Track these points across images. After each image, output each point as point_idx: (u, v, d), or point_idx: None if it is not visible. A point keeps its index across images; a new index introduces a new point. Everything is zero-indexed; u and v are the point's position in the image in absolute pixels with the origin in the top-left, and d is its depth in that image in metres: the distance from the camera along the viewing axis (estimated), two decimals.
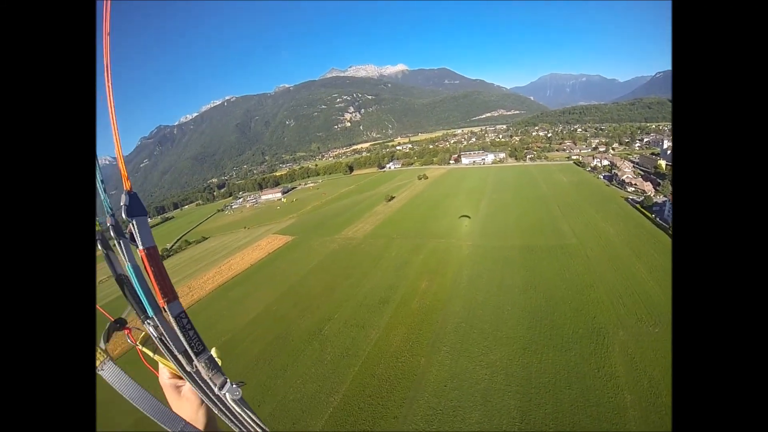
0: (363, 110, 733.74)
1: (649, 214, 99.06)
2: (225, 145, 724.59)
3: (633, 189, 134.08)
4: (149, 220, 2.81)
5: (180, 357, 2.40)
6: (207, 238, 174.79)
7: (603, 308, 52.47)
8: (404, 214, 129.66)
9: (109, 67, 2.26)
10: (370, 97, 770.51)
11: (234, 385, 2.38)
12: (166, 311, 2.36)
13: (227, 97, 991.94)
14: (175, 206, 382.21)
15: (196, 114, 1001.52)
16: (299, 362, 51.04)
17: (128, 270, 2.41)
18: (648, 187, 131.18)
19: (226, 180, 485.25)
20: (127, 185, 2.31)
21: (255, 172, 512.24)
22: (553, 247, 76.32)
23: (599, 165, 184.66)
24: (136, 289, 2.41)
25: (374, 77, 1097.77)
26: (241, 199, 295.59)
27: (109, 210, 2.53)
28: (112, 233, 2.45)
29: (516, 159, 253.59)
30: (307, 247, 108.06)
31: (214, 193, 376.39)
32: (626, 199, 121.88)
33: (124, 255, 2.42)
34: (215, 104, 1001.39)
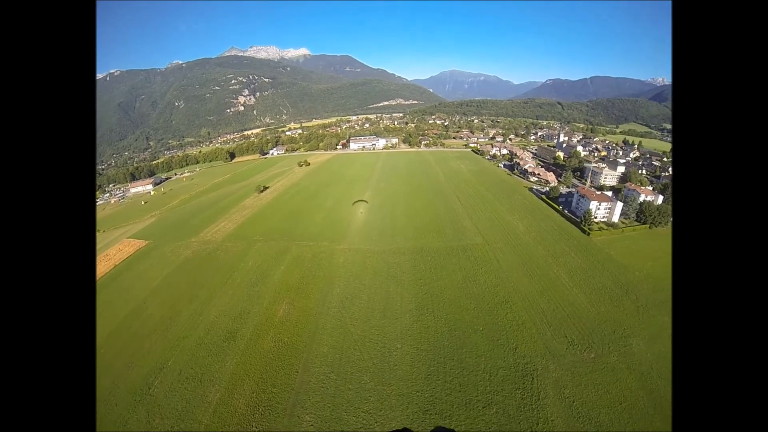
0: (258, 93, 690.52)
1: (556, 206, 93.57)
2: (104, 127, 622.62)
3: (536, 179, 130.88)
4: None
5: None
6: None
7: (525, 333, 39.48)
8: (274, 208, 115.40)
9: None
10: (267, 80, 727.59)
11: None
12: None
13: (111, 71, 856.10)
14: None
15: None
16: None
17: None
18: (551, 177, 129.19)
19: (103, 170, 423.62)
20: None
21: (136, 160, 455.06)
22: (455, 249, 61.61)
23: (498, 153, 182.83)
24: None
25: (275, 59, 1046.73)
26: (107, 194, 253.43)
27: None
28: None
29: (410, 145, 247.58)
30: (159, 255, 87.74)
31: None
32: (530, 189, 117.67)
33: None
34: (96, 78, 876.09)
